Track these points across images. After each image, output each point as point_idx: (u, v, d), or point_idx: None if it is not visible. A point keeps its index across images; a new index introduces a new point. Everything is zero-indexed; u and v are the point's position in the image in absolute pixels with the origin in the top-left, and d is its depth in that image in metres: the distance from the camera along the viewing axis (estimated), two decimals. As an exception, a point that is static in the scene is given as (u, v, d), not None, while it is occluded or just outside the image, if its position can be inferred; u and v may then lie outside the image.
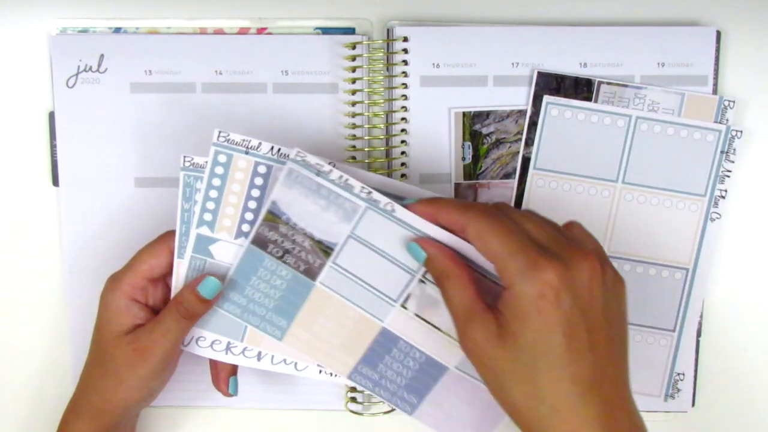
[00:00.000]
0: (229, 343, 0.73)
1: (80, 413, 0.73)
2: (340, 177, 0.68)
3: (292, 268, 0.70)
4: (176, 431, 0.84)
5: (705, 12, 0.79)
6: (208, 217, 0.71)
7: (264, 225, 0.69)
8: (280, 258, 0.70)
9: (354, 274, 0.69)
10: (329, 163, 0.68)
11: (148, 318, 0.72)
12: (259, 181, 0.70)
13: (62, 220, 0.80)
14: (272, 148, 0.70)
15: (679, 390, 0.81)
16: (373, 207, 0.67)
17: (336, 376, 0.73)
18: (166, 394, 0.77)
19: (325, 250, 0.69)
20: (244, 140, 0.70)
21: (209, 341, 0.73)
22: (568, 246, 0.62)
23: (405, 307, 0.70)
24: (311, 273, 0.70)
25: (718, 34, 0.78)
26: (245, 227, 0.71)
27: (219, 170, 0.70)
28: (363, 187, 0.67)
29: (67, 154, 0.79)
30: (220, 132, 0.70)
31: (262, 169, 0.70)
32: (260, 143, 0.70)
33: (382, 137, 0.79)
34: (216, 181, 0.70)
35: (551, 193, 0.78)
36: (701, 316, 0.80)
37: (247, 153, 0.70)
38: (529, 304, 0.59)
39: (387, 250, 0.69)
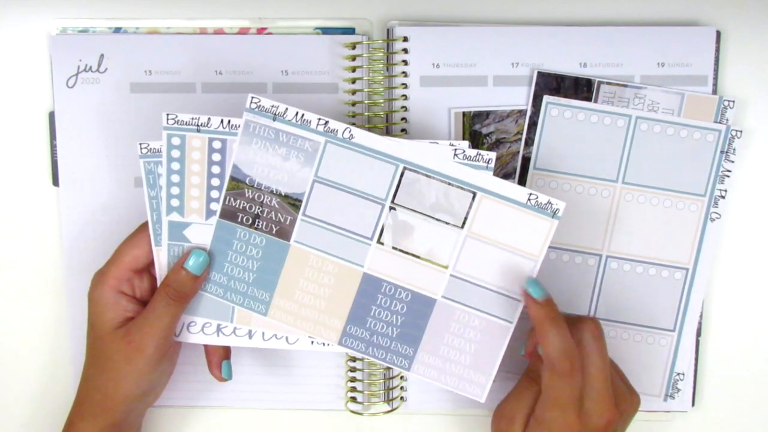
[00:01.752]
0: (219, 325, 0.73)
1: (84, 413, 0.73)
2: (296, 114, 0.69)
3: (265, 232, 0.71)
4: (177, 431, 0.84)
5: (705, 12, 0.79)
6: (175, 202, 0.72)
7: (229, 194, 0.70)
8: (251, 225, 0.71)
9: (325, 221, 0.70)
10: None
11: (137, 310, 0.72)
12: (216, 156, 0.71)
13: (62, 220, 0.80)
14: (222, 121, 0.70)
15: (679, 390, 0.81)
16: (332, 139, 0.69)
17: (327, 345, 0.73)
18: (167, 393, 0.78)
19: (294, 203, 0.70)
20: (193, 118, 0.70)
21: (200, 326, 0.73)
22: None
23: (381, 243, 0.70)
24: (284, 233, 0.71)
25: (718, 34, 0.78)
26: (213, 206, 0.72)
27: (175, 153, 0.71)
28: (320, 119, 0.68)
29: (67, 154, 0.79)
30: (168, 114, 0.70)
31: (217, 145, 0.71)
32: (209, 118, 0.70)
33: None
34: (175, 165, 0.71)
35: (551, 193, 0.78)
36: (701, 316, 0.80)
37: (198, 131, 0.70)
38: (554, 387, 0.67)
39: (353, 184, 0.69)
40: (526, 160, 0.78)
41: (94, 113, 0.79)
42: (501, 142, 0.79)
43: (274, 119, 0.69)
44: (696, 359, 0.81)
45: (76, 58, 0.79)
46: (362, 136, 0.69)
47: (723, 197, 0.78)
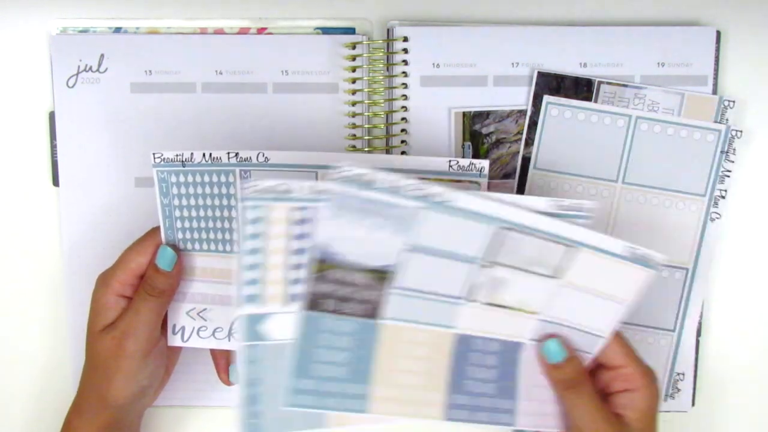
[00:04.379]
0: (230, 329, 0.73)
1: (81, 413, 0.73)
2: (385, 177, 0.60)
3: (353, 316, 0.64)
4: (177, 431, 0.84)
5: (705, 12, 0.79)
6: (251, 290, 0.65)
7: (313, 279, 0.63)
8: (338, 311, 0.64)
9: (416, 289, 0.65)
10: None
11: None
12: (296, 230, 0.64)
13: (62, 220, 0.80)
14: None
15: (679, 390, 0.81)
16: (425, 204, 0.62)
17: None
18: (167, 393, 0.78)
19: (382, 276, 0.64)
20: (277, 183, 0.63)
21: (210, 330, 0.73)
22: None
23: (473, 300, 0.66)
24: (373, 312, 0.65)
25: (718, 34, 0.78)
26: (296, 289, 0.65)
27: (254, 229, 0.64)
28: (409, 183, 0.61)
29: (67, 154, 0.79)
30: (243, 183, 0.65)
31: (299, 215, 0.64)
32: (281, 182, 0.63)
33: (382, 137, 0.79)
34: (253, 243, 0.64)
35: (551, 193, 0.78)
36: (701, 316, 0.80)
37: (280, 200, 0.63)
38: (653, 403, 0.68)
39: (444, 247, 0.64)
40: (526, 160, 0.78)
41: (94, 113, 0.79)
42: (501, 142, 0.79)
43: (363, 188, 0.60)
44: (696, 359, 0.81)
45: (77, 58, 0.79)
46: (458, 198, 0.62)
47: (723, 197, 0.78)
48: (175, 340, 0.74)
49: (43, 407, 0.83)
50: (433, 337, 0.66)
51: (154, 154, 0.71)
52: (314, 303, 0.63)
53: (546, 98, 0.78)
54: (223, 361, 0.76)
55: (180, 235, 0.72)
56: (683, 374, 0.80)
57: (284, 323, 0.65)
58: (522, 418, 0.69)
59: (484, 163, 0.68)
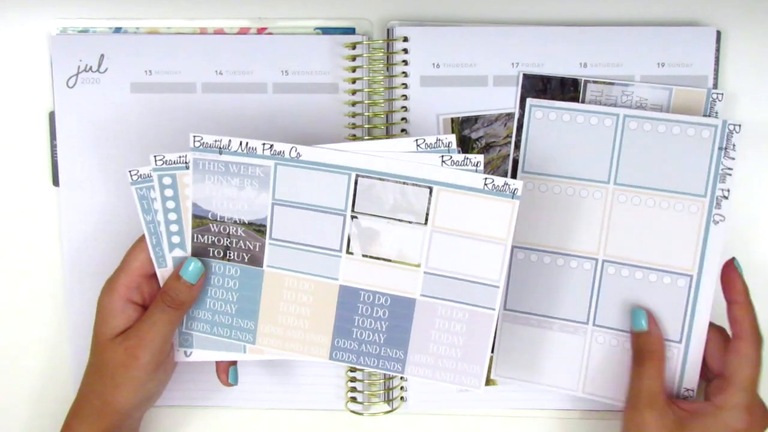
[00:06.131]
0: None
1: (82, 417, 0.73)
2: (241, 143, 0.70)
3: (238, 262, 0.72)
4: (177, 431, 0.84)
5: (705, 12, 0.78)
6: (176, 239, 0.73)
7: (195, 231, 0.72)
8: (223, 257, 0.72)
9: (293, 241, 0.71)
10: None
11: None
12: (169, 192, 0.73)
13: (62, 220, 0.81)
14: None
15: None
16: (281, 161, 0.70)
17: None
18: (167, 393, 0.78)
19: (259, 229, 0.71)
20: (180, 156, 0.71)
21: None
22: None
23: (351, 253, 0.71)
24: (256, 260, 0.72)
25: (718, 34, 0.77)
26: (175, 239, 0.74)
27: (168, 192, 0.72)
28: (264, 143, 0.69)
29: (67, 154, 0.80)
30: (155, 156, 0.71)
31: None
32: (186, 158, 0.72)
33: (382, 137, 0.79)
34: (170, 204, 0.72)
35: (541, 196, 0.77)
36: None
37: (187, 167, 0.71)
38: (719, 428, 0.70)
39: (311, 200, 0.70)
40: (516, 163, 0.78)
41: (94, 113, 0.80)
42: (491, 146, 0.78)
43: (221, 153, 0.70)
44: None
45: (77, 58, 0.79)
46: (309, 152, 0.69)
47: (726, 197, 0.75)
48: (179, 356, 0.76)
49: (43, 408, 0.83)
50: (317, 287, 0.72)
51: (130, 171, 0.73)
52: (202, 250, 0.73)
53: (529, 101, 0.77)
54: (223, 363, 0.76)
55: (168, 252, 0.74)
56: (692, 390, 0.77)
57: None
58: (412, 367, 0.72)
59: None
